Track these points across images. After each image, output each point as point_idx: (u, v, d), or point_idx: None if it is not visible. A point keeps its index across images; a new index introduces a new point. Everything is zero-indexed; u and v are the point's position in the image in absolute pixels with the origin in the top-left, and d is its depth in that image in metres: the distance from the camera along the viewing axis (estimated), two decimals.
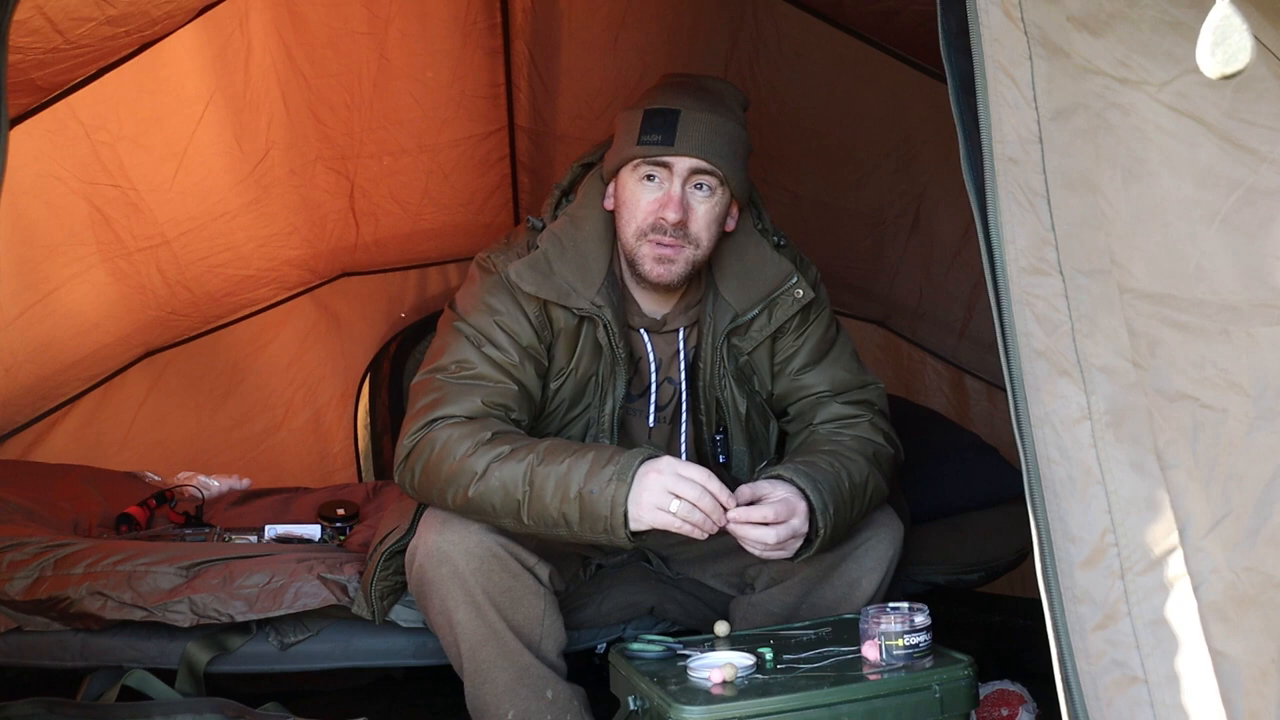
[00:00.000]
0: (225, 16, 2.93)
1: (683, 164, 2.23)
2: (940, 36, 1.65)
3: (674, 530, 2.07)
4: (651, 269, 2.27)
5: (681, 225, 2.24)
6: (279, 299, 3.97)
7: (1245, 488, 1.58)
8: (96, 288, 3.29)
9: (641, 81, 3.39)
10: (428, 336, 4.15)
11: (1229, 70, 1.34)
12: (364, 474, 4.18)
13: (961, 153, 1.64)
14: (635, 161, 2.25)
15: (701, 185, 2.25)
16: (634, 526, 2.06)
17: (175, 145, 3.13)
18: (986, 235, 1.61)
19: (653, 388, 2.41)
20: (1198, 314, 1.61)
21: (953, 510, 2.95)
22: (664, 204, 2.23)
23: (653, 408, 2.43)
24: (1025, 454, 1.59)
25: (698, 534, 2.07)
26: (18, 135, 2.68)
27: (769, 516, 2.09)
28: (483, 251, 2.39)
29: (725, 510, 2.08)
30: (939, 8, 1.65)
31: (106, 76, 2.79)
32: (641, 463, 2.07)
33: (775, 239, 2.43)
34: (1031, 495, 1.59)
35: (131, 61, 2.80)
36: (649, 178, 2.25)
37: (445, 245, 4.10)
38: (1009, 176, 1.60)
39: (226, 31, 2.98)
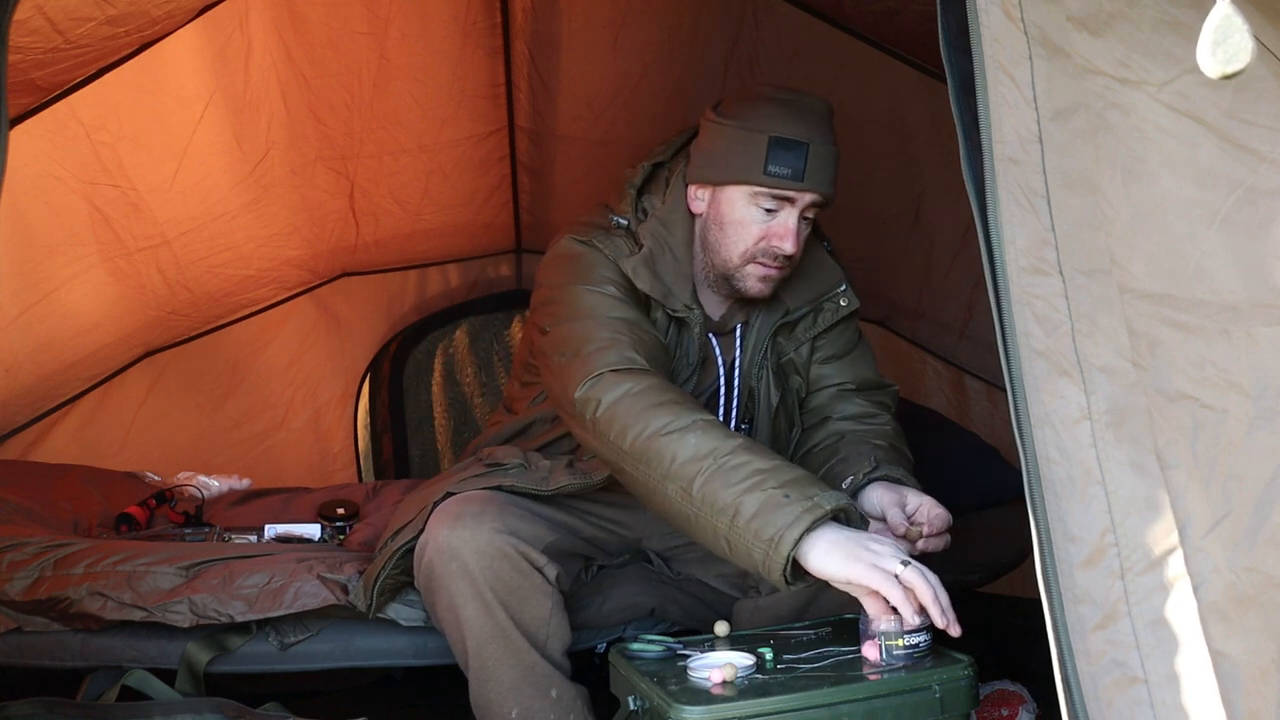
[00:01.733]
0: (225, 16, 2.93)
1: (806, 198, 2.25)
2: (940, 36, 1.65)
3: (882, 592, 1.84)
4: (753, 286, 2.32)
5: (791, 255, 2.28)
6: (279, 299, 3.97)
7: (1245, 488, 1.58)
8: (96, 288, 3.29)
9: (642, 81, 3.40)
10: (429, 336, 4.17)
11: (1229, 70, 1.34)
12: (364, 474, 4.18)
13: (961, 153, 1.64)
14: (755, 189, 2.25)
15: (811, 215, 2.30)
16: (816, 566, 1.86)
17: (175, 145, 3.13)
18: (986, 235, 1.61)
19: (721, 390, 2.44)
20: (1198, 314, 1.61)
21: (953, 510, 2.95)
22: (781, 235, 2.26)
23: (721, 407, 2.44)
24: (1025, 454, 1.59)
25: (896, 620, 1.87)
26: (18, 135, 2.68)
27: (950, 519, 2.14)
28: (572, 232, 2.36)
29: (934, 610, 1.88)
30: (939, 8, 1.65)
31: (106, 76, 2.78)
32: (834, 511, 1.89)
33: (825, 244, 2.49)
34: (1031, 495, 1.59)
35: (131, 61, 2.80)
36: (766, 207, 2.26)
37: (445, 245, 4.10)
38: (1009, 176, 1.60)
39: (226, 31, 2.98)
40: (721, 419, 2.45)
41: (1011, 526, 2.75)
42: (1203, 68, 1.36)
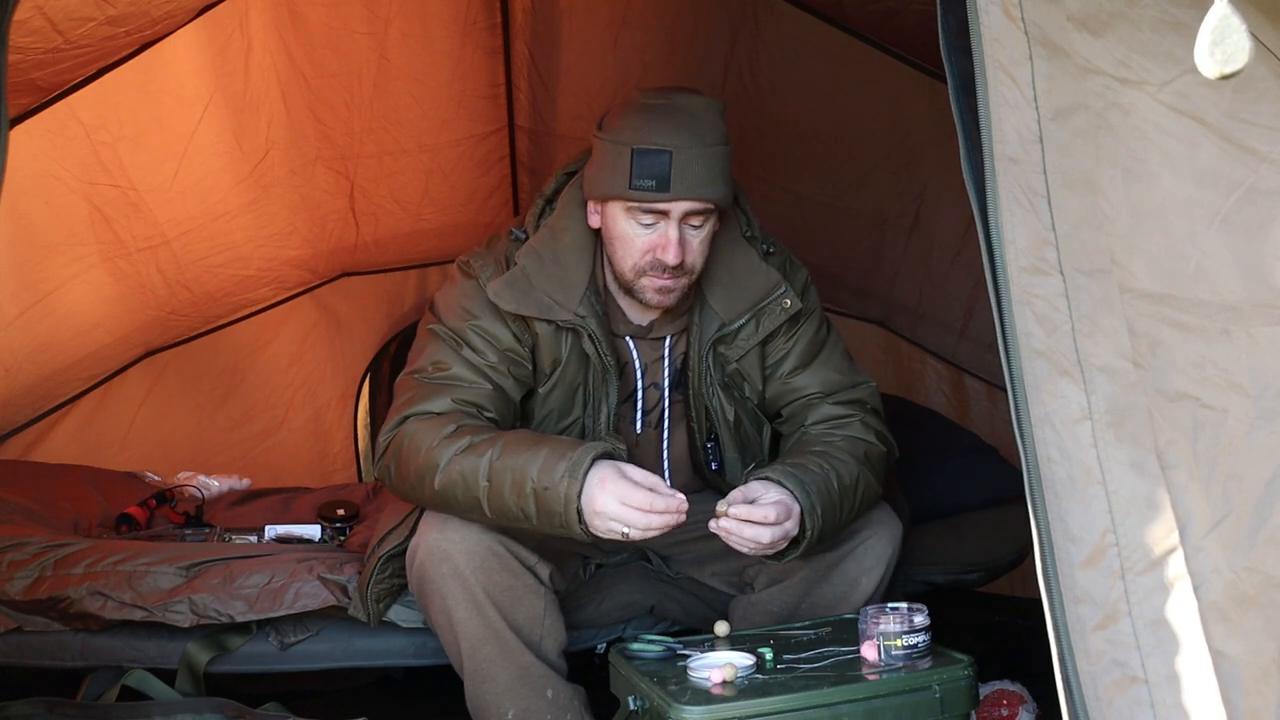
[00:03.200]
0: (225, 16, 2.93)
1: (679, 208, 2.20)
2: (940, 36, 1.65)
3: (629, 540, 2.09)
4: (653, 298, 2.28)
5: (679, 264, 2.23)
6: (279, 299, 3.97)
7: (1245, 488, 1.58)
8: (96, 288, 3.29)
9: (642, 81, 3.39)
10: None
11: (1228, 70, 1.34)
12: (364, 474, 4.18)
13: (961, 153, 1.64)
14: (628, 204, 2.22)
15: (697, 222, 2.24)
16: (590, 528, 2.07)
17: (175, 145, 3.13)
18: (987, 235, 1.61)
19: (639, 393, 2.41)
20: (1198, 314, 1.61)
21: (953, 510, 2.96)
22: (662, 247, 2.22)
23: (639, 414, 2.43)
24: (1025, 454, 1.59)
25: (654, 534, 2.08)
26: (18, 135, 2.68)
27: (769, 517, 2.09)
28: (464, 254, 2.39)
29: (680, 506, 2.06)
30: (939, 8, 1.65)
31: (106, 76, 2.78)
32: (594, 460, 2.06)
33: (764, 247, 2.41)
34: (1031, 495, 1.59)
35: (131, 61, 2.80)
36: (643, 221, 2.22)
37: (445, 245, 4.08)
38: (1009, 176, 1.60)
39: (226, 31, 2.98)
40: (671, 435, 2.44)
41: (1011, 526, 2.76)
42: (1201, 68, 1.35)
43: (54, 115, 2.79)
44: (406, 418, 2.24)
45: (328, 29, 3.17)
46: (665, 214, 2.21)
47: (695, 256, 2.27)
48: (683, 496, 2.06)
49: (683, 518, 2.06)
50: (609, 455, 2.10)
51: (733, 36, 3.28)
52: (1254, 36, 1.35)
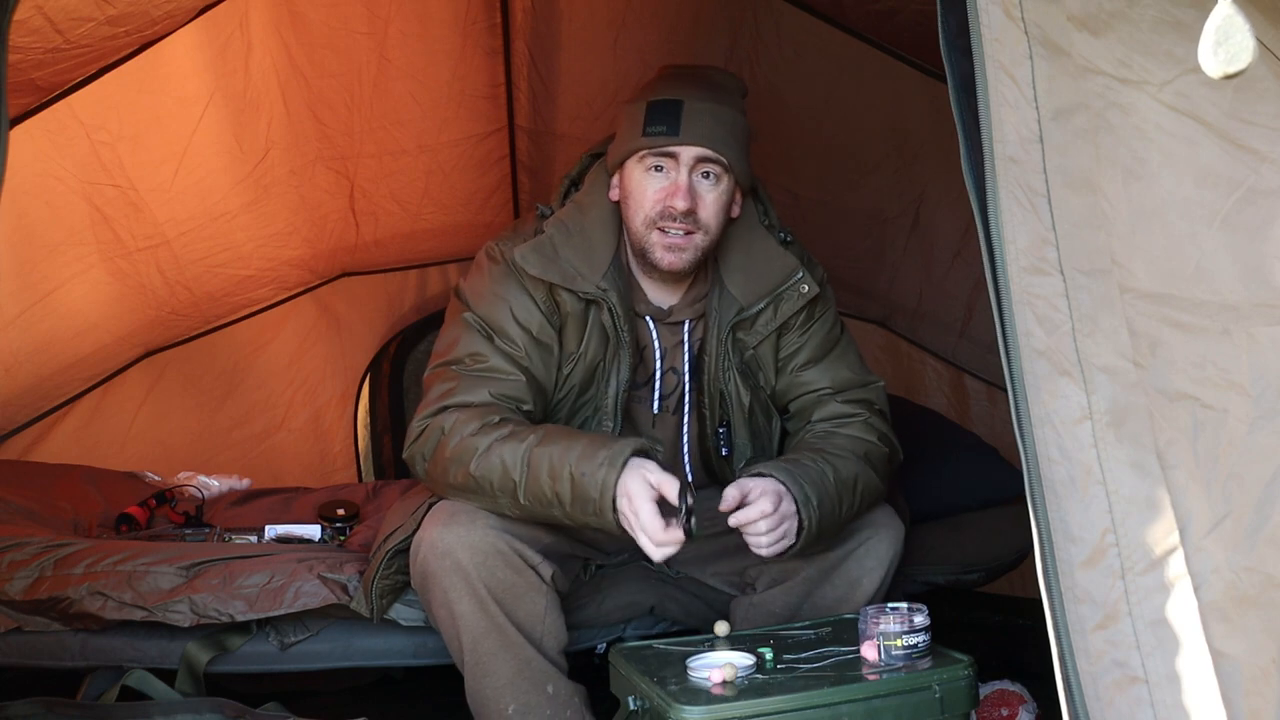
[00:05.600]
0: (225, 16, 2.94)
1: (689, 153, 2.27)
2: (940, 36, 1.65)
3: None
4: (662, 257, 2.31)
5: (690, 212, 2.28)
6: (279, 299, 3.97)
7: (1246, 488, 1.58)
8: (96, 288, 3.29)
9: (642, 81, 3.39)
10: (429, 336, 4.17)
11: (1231, 70, 1.35)
12: (364, 474, 4.18)
13: (962, 152, 1.64)
14: (641, 153, 2.29)
15: (708, 174, 2.30)
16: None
17: (175, 145, 3.13)
18: (987, 235, 1.61)
19: (657, 376, 2.43)
20: (1198, 314, 1.61)
21: (953, 510, 2.95)
22: (672, 193, 2.27)
23: (656, 396, 2.44)
24: (1025, 454, 1.59)
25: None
26: (18, 135, 2.68)
27: (767, 510, 2.12)
28: (490, 240, 2.42)
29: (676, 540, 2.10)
30: (939, 8, 1.65)
31: (106, 76, 2.79)
32: (633, 454, 2.11)
33: (781, 235, 2.46)
34: (1032, 495, 1.59)
35: (131, 61, 2.80)
36: (656, 168, 2.29)
37: (445, 245, 4.10)
38: (1009, 176, 1.60)
39: (226, 31, 2.98)
40: (692, 422, 2.46)
41: (1011, 526, 2.76)
42: (1204, 68, 1.36)
43: (54, 115, 2.79)
44: (446, 408, 2.27)
45: (328, 29, 3.17)
46: (675, 159, 2.27)
47: (708, 213, 2.31)
48: (680, 538, 2.09)
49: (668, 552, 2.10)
50: (645, 453, 2.14)
51: (733, 36, 3.28)
52: (1256, 37, 1.35)
